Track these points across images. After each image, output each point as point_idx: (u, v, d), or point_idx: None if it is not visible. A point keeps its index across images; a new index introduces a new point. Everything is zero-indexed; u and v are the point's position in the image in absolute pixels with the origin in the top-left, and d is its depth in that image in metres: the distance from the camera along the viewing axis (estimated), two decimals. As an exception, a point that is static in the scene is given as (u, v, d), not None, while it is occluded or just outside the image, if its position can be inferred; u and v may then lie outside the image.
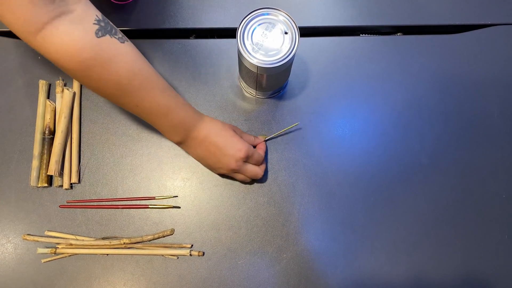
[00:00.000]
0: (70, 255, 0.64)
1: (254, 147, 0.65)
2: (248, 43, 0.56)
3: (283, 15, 0.56)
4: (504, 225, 0.65)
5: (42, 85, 0.69)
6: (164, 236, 0.64)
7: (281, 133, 0.68)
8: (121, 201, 0.66)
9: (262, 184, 0.66)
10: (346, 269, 0.63)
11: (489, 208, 0.66)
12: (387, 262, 0.64)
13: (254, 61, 0.55)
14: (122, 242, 0.63)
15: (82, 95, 0.70)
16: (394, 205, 0.66)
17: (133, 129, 0.69)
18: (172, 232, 0.65)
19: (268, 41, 0.56)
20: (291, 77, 0.70)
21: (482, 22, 0.73)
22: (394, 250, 0.64)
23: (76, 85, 0.70)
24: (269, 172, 0.67)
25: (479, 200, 0.66)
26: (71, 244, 0.64)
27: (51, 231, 0.65)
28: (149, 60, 0.71)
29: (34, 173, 0.65)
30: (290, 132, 0.68)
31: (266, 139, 0.67)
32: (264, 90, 0.66)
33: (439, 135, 0.69)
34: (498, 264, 0.64)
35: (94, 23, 0.49)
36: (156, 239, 0.64)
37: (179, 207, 0.66)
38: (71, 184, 0.66)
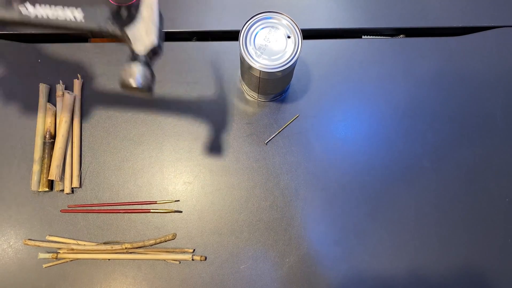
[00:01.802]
0: (71, 260, 0.63)
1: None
2: (250, 47, 0.55)
3: (286, 19, 0.56)
4: (508, 229, 0.65)
5: (43, 88, 0.68)
6: (166, 241, 0.64)
7: (283, 129, 0.67)
8: (123, 206, 0.65)
9: (264, 188, 0.66)
10: (349, 273, 0.63)
11: (492, 211, 0.65)
12: (390, 266, 0.63)
13: (257, 66, 0.55)
14: (123, 247, 0.63)
15: (83, 99, 0.69)
16: (396, 209, 0.65)
17: (134, 133, 0.68)
18: (174, 236, 0.64)
19: (270, 45, 0.55)
20: (293, 80, 0.70)
21: (485, 24, 0.73)
22: (397, 254, 0.64)
23: (76, 89, 0.69)
24: (271, 176, 0.66)
25: (482, 204, 0.66)
26: (73, 249, 0.63)
27: (52, 236, 0.64)
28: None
29: (34, 178, 0.65)
30: (292, 136, 0.68)
31: (267, 141, 0.67)
32: (266, 93, 0.66)
33: (441, 138, 0.68)
34: (502, 268, 0.64)
35: None
36: (158, 243, 0.64)
37: (181, 212, 0.65)
38: (72, 188, 0.66)
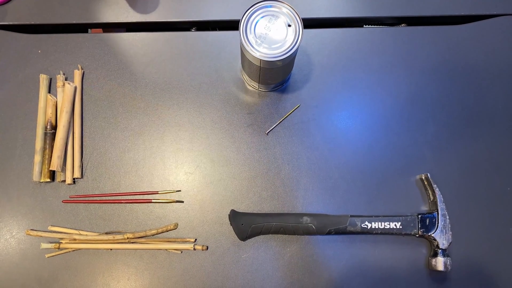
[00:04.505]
0: (73, 250, 0.64)
1: None
2: (251, 36, 0.55)
3: (286, 7, 0.55)
4: (508, 218, 0.65)
5: (43, 79, 0.68)
6: (167, 231, 0.64)
7: (284, 119, 0.67)
8: (124, 196, 0.66)
9: (265, 178, 0.66)
10: (350, 263, 0.63)
11: (493, 201, 0.65)
12: (391, 255, 0.64)
13: (257, 55, 0.55)
14: (125, 236, 0.63)
15: (83, 90, 0.69)
16: (397, 198, 0.65)
17: (135, 123, 0.68)
18: (176, 226, 0.64)
19: (271, 33, 0.55)
20: (294, 70, 0.69)
21: (487, 12, 0.73)
22: (398, 243, 0.64)
23: (77, 79, 0.69)
24: (272, 166, 0.66)
25: (483, 193, 0.66)
26: (75, 239, 0.63)
27: (54, 226, 0.64)
28: (150, 54, 0.71)
29: (36, 168, 0.65)
30: (293, 126, 0.68)
31: (268, 131, 0.67)
32: (267, 83, 0.65)
33: (442, 128, 0.68)
34: (502, 257, 0.64)
35: None
36: (159, 233, 0.64)
37: (182, 202, 0.66)
38: (74, 179, 0.66)
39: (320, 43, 0.71)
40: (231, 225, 0.62)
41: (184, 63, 0.70)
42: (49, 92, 0.69)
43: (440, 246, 0.60)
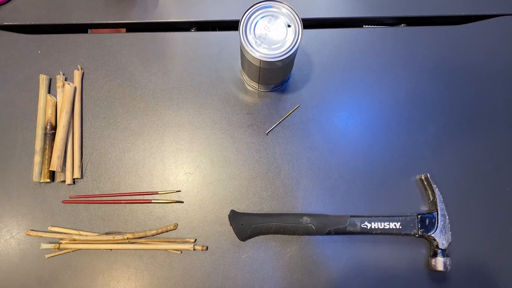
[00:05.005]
0: (73, 250, 0.64)
1: None
2: (250, 36, 0.55)
3: (286, 8, 0.55)
4: (508, 218, 0.65)
5: (43, 79, 0.68)
6: (167, 231, 0.64)
7: (283, 119, 0.67)
8: (124, 196, 0.66)
9: (265, 178, 0.66)
10: (350, 263, 0.63)
11: (493, 201, 0.65)
12: (391, 255, 0.64)
13: (257, 55, 0.55)
14: (125, 237, 0.63)
15: (83, 90, 0.69)
16: (397, 198, 0.65)
17: (135, 123, 0.68)
18: (176, 226, 0.64)
19: (271, 34, 0.55)
20: (294, 70, 0.69)
21: (487, 12, 0.72)
22: (397, 243, 0.64)
23: (77, 79, 0.69)
24: (272, 166, 0.66)
25: (483, 193, 0.66)
26: (75, 240, 0.63)
27: (54, 226, 0.64)
28: (150, 54, 0.71)
29: (36, 169, 0.65)
30: (293, 126, 0.68)
31: (268, 131, 0.67)
32: (266, 83, 0.65)
33: (442, 128, 0.68)
34: (502, 257, 0.64)
35: None
36: (159, 234, 0.64)
37: (182, 202, 0.66)
38: (74, 179, 0.66)
39: (320, 43, 0.71)
40: (231, 225, 0.62)
41: (184, 63, 0.70)
42: (49, 92, 0.69)
43: (440, 246, 0.60)
